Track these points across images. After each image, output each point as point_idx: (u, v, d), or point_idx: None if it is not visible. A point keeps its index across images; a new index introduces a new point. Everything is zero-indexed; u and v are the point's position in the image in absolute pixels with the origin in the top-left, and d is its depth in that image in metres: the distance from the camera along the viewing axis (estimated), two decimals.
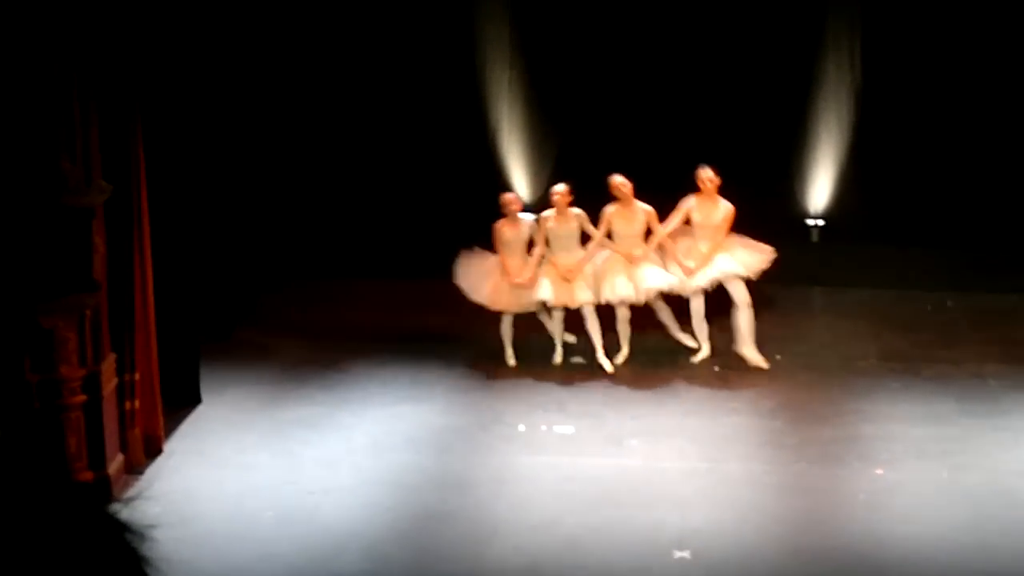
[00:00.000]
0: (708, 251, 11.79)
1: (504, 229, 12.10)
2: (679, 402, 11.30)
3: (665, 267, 11.94)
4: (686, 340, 12.15)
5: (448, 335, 12.90)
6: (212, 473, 9.90)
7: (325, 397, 11.37)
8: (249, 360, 12.17)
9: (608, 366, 11.95)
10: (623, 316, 12.05)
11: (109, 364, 9.53)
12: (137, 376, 10.04)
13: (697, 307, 11.92)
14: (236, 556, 8.63)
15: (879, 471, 9.78)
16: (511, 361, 12.17)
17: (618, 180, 11.99)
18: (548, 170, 14.98)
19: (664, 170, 12.42)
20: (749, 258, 11.86)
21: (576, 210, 11.98)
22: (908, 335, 12.68)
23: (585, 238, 12.05)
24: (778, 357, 12.16)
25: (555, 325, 12.15)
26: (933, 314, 12.95)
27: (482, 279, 12.17)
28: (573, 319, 12.07)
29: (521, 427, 10.73)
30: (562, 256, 11.99)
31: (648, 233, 11.96)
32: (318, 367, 12.04)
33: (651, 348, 12.36)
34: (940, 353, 12.26)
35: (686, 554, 8.57)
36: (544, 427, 10.73)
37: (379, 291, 14.06)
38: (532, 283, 11.89)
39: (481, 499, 9.43)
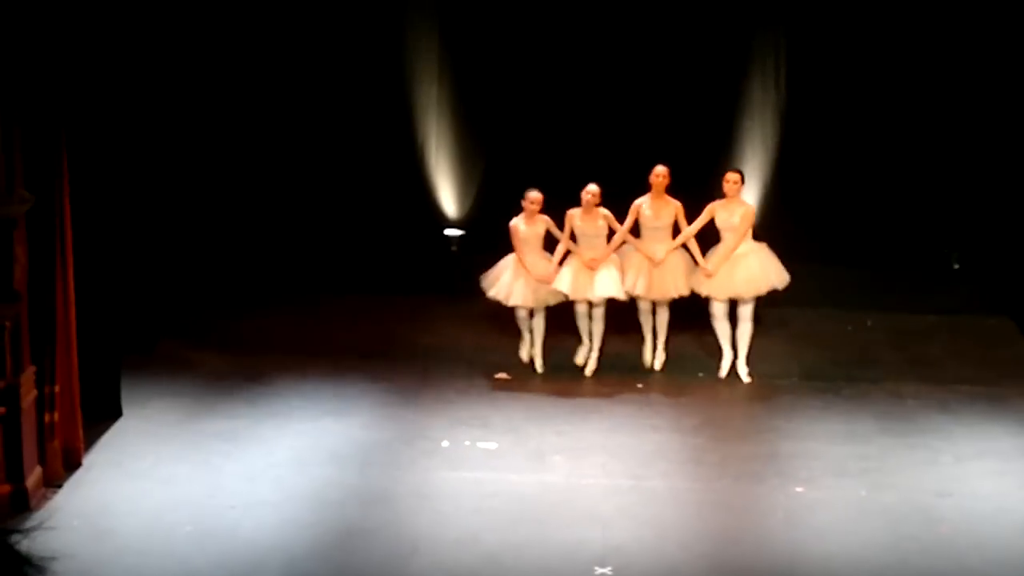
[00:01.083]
0: (724, 251, 12.06)
1: (520, 226, 12.22)
2: (602, 418, 11.34)
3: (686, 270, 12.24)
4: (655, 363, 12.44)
5: (373, 349, 12.88)
6: (131, 486, 9.82)
7: (247, 410, 11.31)
8: (171, 373, 12.09)
9: (589, 370, 12.25)
10: (644, 308, 12.34)
11: (28, 376, 9.44)
12: (57, 388, 9.93)
13: (718, 311, 12.16)
14: (153, 571, 8.56)
15: (799, 489, 9.86)
16: (525, 357, 12.33)
17: (659, 169, 12.27)
18: (476, 184, 15.01)
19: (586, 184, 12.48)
20: (779, 269, 12.11)
21: (603, 210, 12.18)
22: (828, 353, 12.80)
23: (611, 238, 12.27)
24: (700, 375, 12.25)
25: (583, 322, 12.31)
26: (853, 333, 13.08)
27: (499, 277, 12.31)
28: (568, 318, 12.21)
29: (444, 442, 10.73)
30: (588, 255, 12.17)
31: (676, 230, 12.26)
32: (241, 380, 11.98)
33: (570, 363, 12.42)
34: (860, 372, 12.40)
35: (608, 571, 8.59)
36: (467, 442, 10.73)
37: (304, 305, 14.02)
38: (551, 278, 12.13)
39: (402, 514, 9.41)
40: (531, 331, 12.39)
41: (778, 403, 11.79)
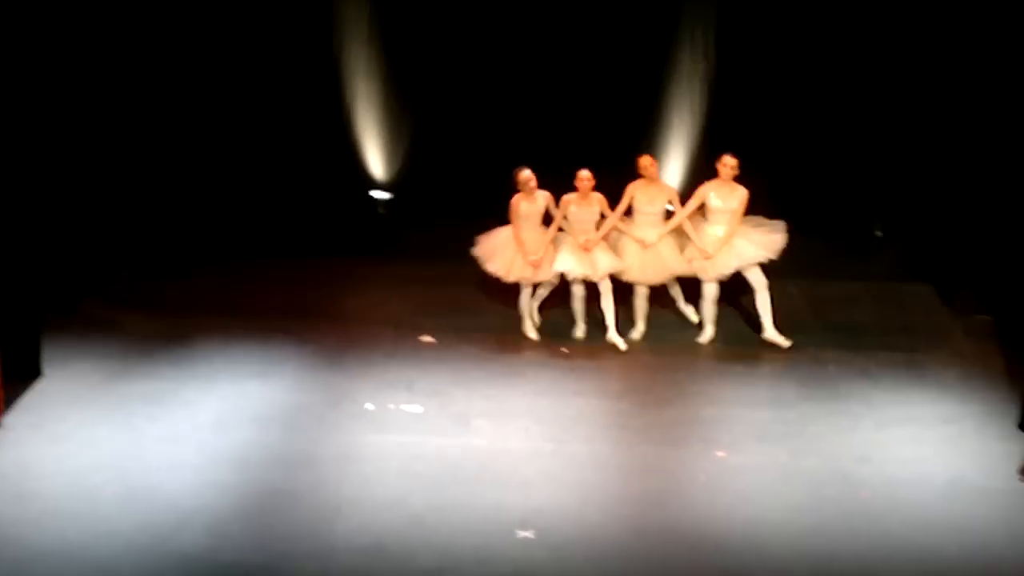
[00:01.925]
0: (725, 236, 12.21)
1: (521, 203, 12.26)
2: (527, 382, 11.37)
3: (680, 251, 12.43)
4: (690, 314, 12.76)
5: (298, 312, 12.84)
6: (52, 448, 9.73)
7: (172, 372, 11.25)
8: (94, 334, 12.00)
9: (621, 343, 12.26)
10: (641, 292, 12.49)
11: None
12: None
13: (711, 291, 12.35)
14: (76, 533, 8.49)
15: (721, 453, 9.94)
16: (531, 334, 12.45)
17: (646, 160, 12.44)
18: (404, 146, 14.97)
19: (519, 155, 12.47)
20: (766, 239, 12.26)
21: (597, 195, 12.33)
22: (752, 320, 12.89)
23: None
24: (624, 347, 12.32)
25: (579, 304, 12.44)
26: (776, 300, 13.15)
27: (497, 251, 12.41)
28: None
29: (369, 405, 10.72)
30: (581, 239, 12.33)
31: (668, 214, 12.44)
32: (165, 342, 11.91)
33: (497, 326, 12.46)
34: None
35: (529, 534, 8.62)
36: (392, 406, 10.72)
37: (230, 267, 13.94)
38: (542, 262, 12.27)
39: (326, 477, 9.39)
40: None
41: (702, 368, 11.88)
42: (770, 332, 12.32)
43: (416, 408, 10.69)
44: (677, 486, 9.45)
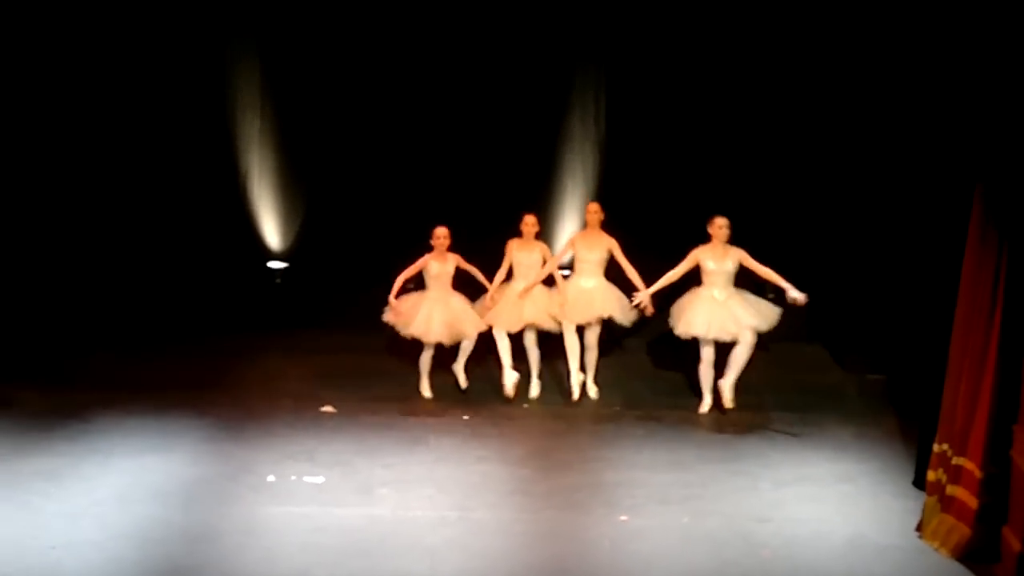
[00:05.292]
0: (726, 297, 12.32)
1: (432, 263, 12.47)
2: (429, 450, 11.36)
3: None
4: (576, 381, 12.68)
5: (197, 385, 12.74)
6: None
7: (68, 448, 11.09)
8: None
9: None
10: (591, 342, 12.70)
11: None
12: None
13: (707, 355, 12.35)
14: None
15: (623, 517, 9.99)
16: (426, 392, 12.66)
17: (593, 206, 12.82)
18: (299, 215, 14.96)
19: (414, 219, 12.55)
20: (766, 310, 12.36)
21: (539, 243, 12.74)
22: (650, 382, 13.03)
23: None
24: (525, 406, 12.39)
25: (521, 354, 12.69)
26: (674, 362, 13.29)
27: (411, 313, 12.50)
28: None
29: (270, 477, 10.64)
30: (523, 284, 12.62)
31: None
32: (62, 418, 11.76)
33: (397, 394, 12.48)
34: (681, 400, 12.67)
35: None
36: (294, 477, 10.66)
37: (126, 342, 13.82)
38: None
39: (229, 551, 9.29)
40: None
41: (602, 432, 11.95)
42: (727, 384, 12.31)
43: (318, 479, 10.64)
44: (582, 550, 9.46)
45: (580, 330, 12.65)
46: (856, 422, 12.17)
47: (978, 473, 9.17)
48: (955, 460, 9.38)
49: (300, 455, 11.12)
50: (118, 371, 13.04)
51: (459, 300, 12.64)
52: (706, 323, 12.24)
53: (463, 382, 12.71)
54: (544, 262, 12.67)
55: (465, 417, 12.22)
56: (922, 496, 9.83)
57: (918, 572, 9.10)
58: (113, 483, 10.40)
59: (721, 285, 12.34)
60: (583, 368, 12.68)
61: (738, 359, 12.25)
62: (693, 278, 12.45)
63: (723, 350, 12.35)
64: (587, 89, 14.70)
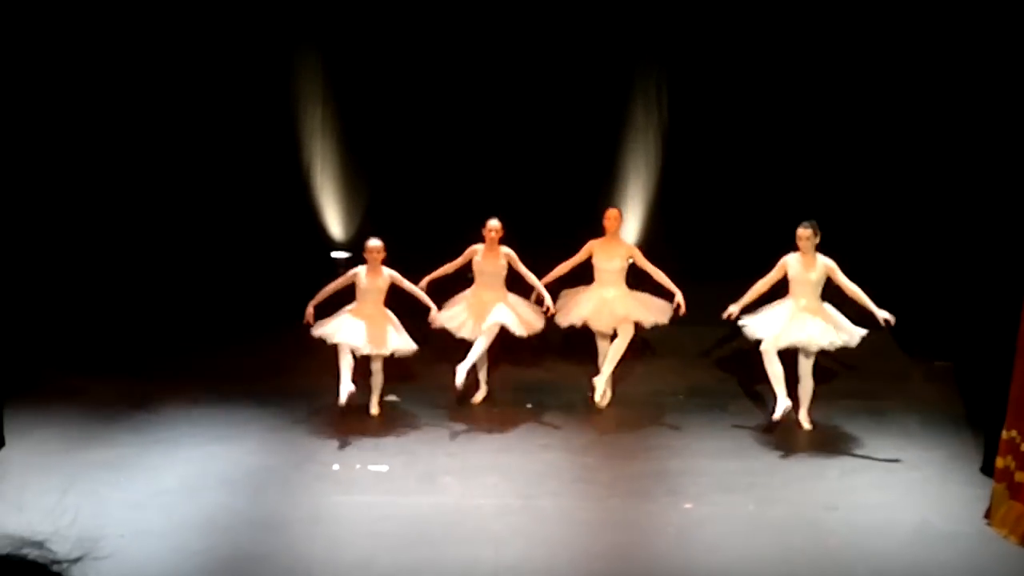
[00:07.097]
0: (805, 307, 11.60)
1: (363, 276, 12.01)
2: (492, 439, 11.37)
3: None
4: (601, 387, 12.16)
5: (262, 374, 12.81)
6: (14, 517, 9.56)
7: (134, 438, 11.18)
8: (56, 402, 11.92)
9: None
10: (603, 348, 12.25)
11: None
12: None
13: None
14: None
15: (688, 505, 9.95)
16: (342, 398, 11.60)
17: (611, 212, 12.23)
18: (362, 205, 14.98)
19: (477, 213, 12.50)
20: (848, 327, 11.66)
21: (506, 248, 11.98)
22: (714, 371, 12.97)
23: (513, 277, 12.06)
24: (589, 394, 12.36)
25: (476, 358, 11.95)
26: (737, 349, 13.22)
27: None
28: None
29: (335, 466, 10.68)
30: (485, 293, 12.04)
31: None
32: (127, 408, 11.85)
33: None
34: (744, 388, 12.60)
35: None
36: (358, 465, 10.70)
37: (191, 331, 13.89)
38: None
39: (295, 540, 9.33)
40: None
41: (666, 421, 11.92)
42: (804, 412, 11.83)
43: (382, 467, 10.66)
44: (645, 539, 9.44)
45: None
46: (923, 409, 12.07)
47: None
48: None
49: (364, 444, 11.16)
50: (184, 362, 13.12)
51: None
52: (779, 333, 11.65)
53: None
54: (510, 271, 11.99)
55: (529, 406, 12.21)
56: (990, 483, 9.73)
57: (986, 560, 9.01)
58: (179, 472, 10.46)
59: (806, 295, 11.65)
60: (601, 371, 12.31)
61: (806, 381, 11.79)
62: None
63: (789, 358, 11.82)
64: (649, 84, 14.64)
